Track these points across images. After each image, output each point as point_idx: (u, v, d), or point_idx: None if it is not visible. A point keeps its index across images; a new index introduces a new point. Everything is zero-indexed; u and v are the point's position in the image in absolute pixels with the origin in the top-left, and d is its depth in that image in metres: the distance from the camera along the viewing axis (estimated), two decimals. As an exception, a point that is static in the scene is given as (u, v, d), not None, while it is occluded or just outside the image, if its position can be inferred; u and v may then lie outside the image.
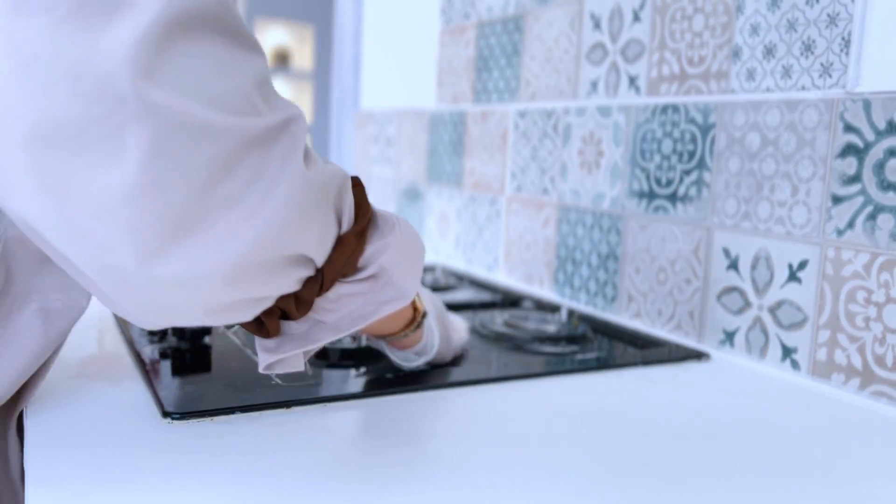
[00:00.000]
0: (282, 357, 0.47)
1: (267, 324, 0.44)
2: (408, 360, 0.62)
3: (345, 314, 0.47)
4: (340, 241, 0.44)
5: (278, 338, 0.47)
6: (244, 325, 0.45)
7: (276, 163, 0.37)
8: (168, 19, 0.34)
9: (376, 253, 0.47)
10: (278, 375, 0.60)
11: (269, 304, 0.43)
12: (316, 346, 0.47)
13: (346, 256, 0.45)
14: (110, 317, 0.78)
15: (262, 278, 0.40)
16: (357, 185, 0.46)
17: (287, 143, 0.38)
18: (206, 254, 0.36)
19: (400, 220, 0.49)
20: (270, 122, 0.37)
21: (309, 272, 0.43)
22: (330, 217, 0.43)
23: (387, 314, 0.48)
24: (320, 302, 0.46)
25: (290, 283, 0.42)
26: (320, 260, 0.44)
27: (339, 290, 0.46)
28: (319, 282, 0.44)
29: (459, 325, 0.70)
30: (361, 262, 0.47)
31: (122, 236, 0.35)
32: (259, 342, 0.47)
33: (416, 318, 0.58)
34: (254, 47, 0.39)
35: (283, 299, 0.43)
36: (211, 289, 0.37)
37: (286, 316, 0.45)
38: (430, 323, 0.61)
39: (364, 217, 0.46)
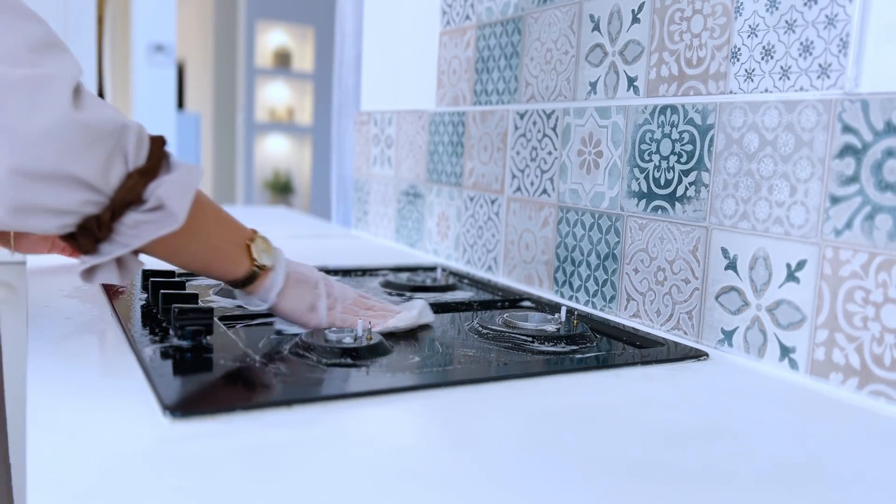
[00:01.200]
0: (92, 264, 0.61)
1: (81, 242, 0.59)
2: (252, 305, 0.74)
3: (142, 237, 0.60)
4: (126, 177, 0.59)
5: (93, 254, 0.60)
6: (67, 242, 0.60)
7: (40, 101, 0.53)
8: None
9: (155, 188, 0.60)
10: (278, 373, 0.61)
11: (70, 219, 0.58)
12: (117, 253, 0.60)
13: (127, 189, 0.59)
14: (111, 316, 0.78)
15: (43, 188, 0.55)
16: (157, 139, 0.62)
17: (52, 89, 0.54)
18: None
19: (187, 165, 0.63)
20: (36, 73, 0.54)
21: (98, 198, 0.58)
22: (108, 155, 0.57)
23: (165, 234, 0.61)
24: (120, 227, 0.60)
25: (76, 200, 0.57)
26: (108, 189, 0.58)
27: (134, 217, 0.60)
28: (111, 209, 0.59)
29: (412, 307, 0.81)
30: (145, 194, 0.60)
31: None
32: (80, 260, 0.61)
33: (252, 268, 0.70)
34: (34, 18, 0.56)
35: (88, 220, 0.58)
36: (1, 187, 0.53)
37: (95, 237, 0.59)
38: (277, 277, 0.72)
39: (151, 161, 0.60)
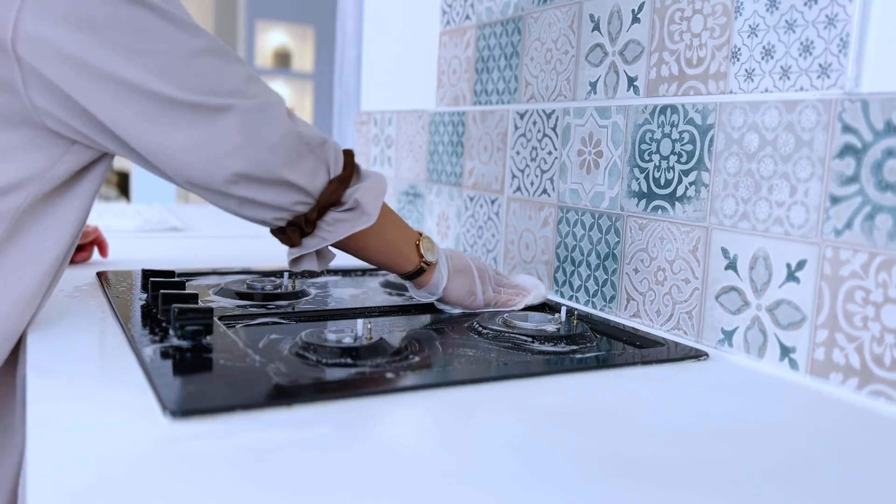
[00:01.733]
0: (299, 255, 0.77)
1: (290, 236, 0.76)
2: (422, 296, 0.88)
3: (338, 232, 0.76)
4: (329, 183, 0.74)
5: (299, 247, 0.77)
6: (281, 237, 0.77)
7: (266, 121, 0.69)
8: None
9: (353, 192, 0.76)
10: (278, 373, 0.61)
11: (284, 215, 0.74)
12: (320, 246, 0.76)
13: (330, 192, 0.74)
14: (111, 316, 0.78)
15: (263, 187, 0.70)
16: (348, 153, 0.77)
17: (274, 111, 0.70)
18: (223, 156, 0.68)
19: (375, 174, 0.78)
20: (260, 101, 0.69)
21: (305, 199, 0.73)
22: (315, 163, 0.73)
23: (362, 229, 0.76)
24: (321, 223, 0.76)
25: (288, 201, 0.72)
26: (315, 192, 0.74)
27: (333, 215, 0.76)
28: (316, 209, 0.74)
29: (525, 283, 0.96)
30: (344, 198, 0.76)
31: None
32: (288, 251, 0.78)
33: (420, 264, 0.84)
34: (237, 60, 0.70)
35: (297, 218, 0.74)
36: (226, 181, 0.69)
37: (303, 232, 0.75)
38: (441, 271, 0.87)
39: (347, 170, 0.76)
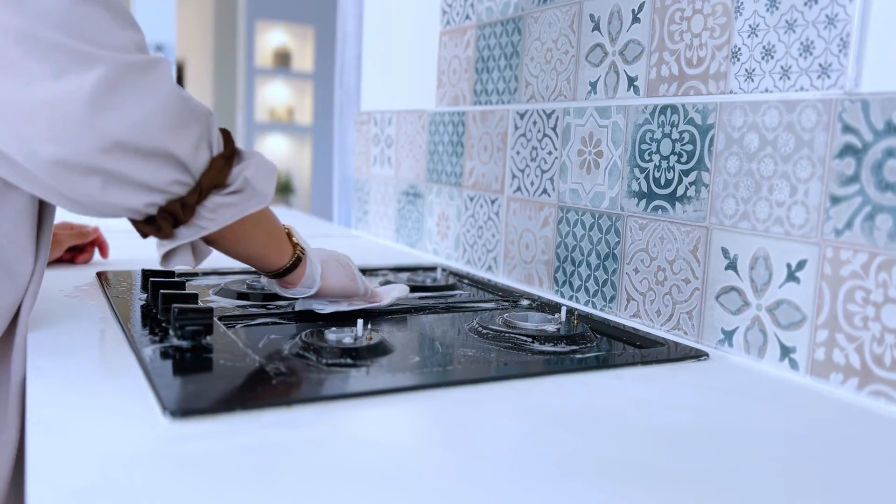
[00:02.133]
0: (172, 248, 0.65)
1: (162, 226, 0.62)
2: (298, 293, 0.79)
3: (220, 220, 0.64)
4: (212, 161, 0.63)
5: (170, 238, 0.64)
6: (145, 228, 0.63)
7: (151, 81, 0.57)
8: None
9: (240, 171, 0.65)
10: (278, 373, 0.61)
11: (158, 199, 0.60)
12: (199, 235, 0.64)
13: (216, 171, 0.63)
14: (111, 316, 0.78)
15: (138, 160, 0.57)
16: (225, 131, 0.66)
17: (160, 70, 0.58)
18: (103, 124, 0.55)
19: (256, 152, 0.68)
20: (146, 58, 0.58)
21: (186, 178, 0.61)
22: (198, 137, 0.61)
23: (254, 211, 0.66)
24: (201, 210, 0.63)
25: (166, 179, 0.59)
26: (196, 171, 0.61)
27: (216, 199, 0.64)
28: (197, 192, 0.62)
29: (390, 288, 0.91)
30: (229, 178, 0.64)
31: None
32: (158, 244, 0.65)
33: (295, 254, 0.76)
34: (133, 26, 0.60)
35: (172, 204, 0.61)
36: (98, 149, 0.55)
37: (177, 220, 0.62)
38: (313, 260, 0.78)
39: (229, 147, 0.65)
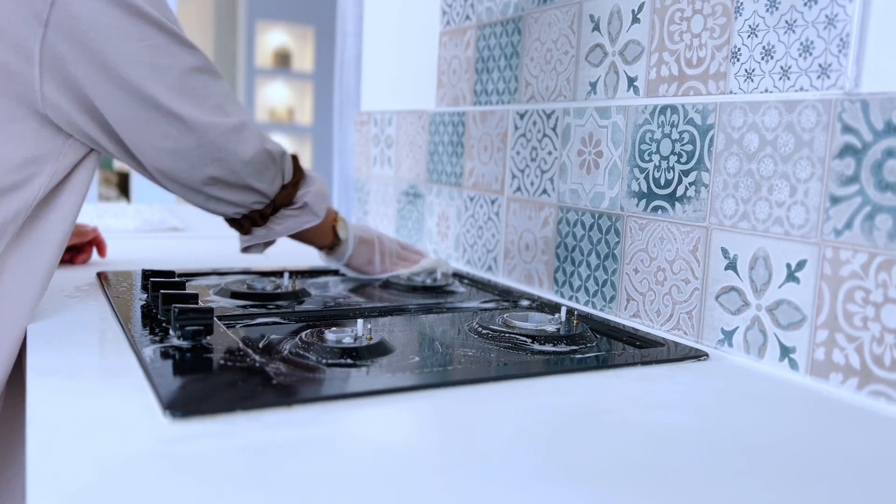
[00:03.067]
0: (252, 244, 0.95)
1: (244, 225, 0.92)
2: (330, 262, 1.08)
3: (285, 226, 0.94)
4: (284, 187, 0.91)
5: (250, 235, 0.94)
6: (232, 224, 0.94)
7: (242, 141, 0.83)
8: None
9: (303, 195, 0.94)
10: (278, 373, 0.61)
11: (243, 210, 0.90)
12: (270, 238, 0.94)
13: (285, 195, 0.91)
14: (111, 316, 0.78)
15: (231, 190, 0.86)
16: (294, 158, 0.93)
17: (248, 132, 0.83)
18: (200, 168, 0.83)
19: (318, 177, 0.96)
20: (236, 121, 0.82)
21: (264, 200, 0.90)
22: (276, 172, 0.89)
23: (309, 227, 0.96)
24: (272, 218, 0.93)
25: (249, 201, 0.88)
26: (271, 194, 0.90)
27: (284, 212, 0.93)
28: (271, 207, 0.91)
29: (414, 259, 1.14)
30: (295, 199, 0.93)
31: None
32: (240, 237, 0.96)
33: (333, 241, 1.04)
34: (221, 76, 0.83)
35: (253, 213, 0.91)
36: (202, 180, 0.83)
37: (255, 224, 0.92)
38: (348, 245, 1.05)
39: (297, 175, 0.93)
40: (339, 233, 1.03)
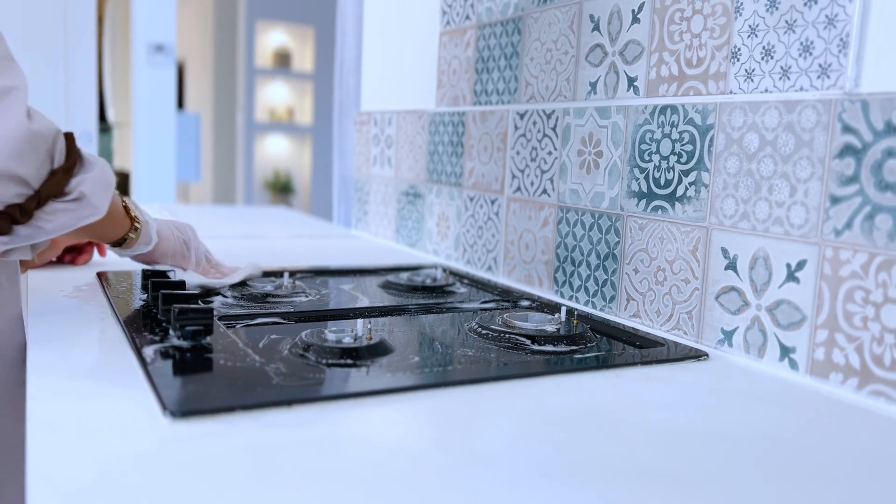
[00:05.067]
0: (12, 247, 0.70)
1: (1, 225, 0.66)
2: (138, 251, 0.89)
3: (58, 223, 0.70)
4: (52, 173, 0.68)
5: (10, 235, 0.68)
6: None
7: (1, 111, 0.62)
8: None
9: (78, 184, 0.70)
10: (278, 373, 0.61)
11: None
12: (38, 240, 0.70)
13: (54, 183, 0.68)
14: (111, 316, 0.78)
15: None
16: (69, 137, 0.70)
17: (12, 100, 0.63)
18: None
19: (99, 162, 0.73)
20: (3, 84, 0.62)
21: (27, 191, 0.66)
22: (44, 156, 0.66)
23: (88, 223, 0.72)
24: (40, 213, 0.68)
25: (10, 194, 0.65)
26: (36, 183, 0.66)
27: (54, 206, 0.69)
28: (36, 199, 0.67)
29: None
30: (68, 188, 0.69)
31: None
32: None
33: (133, 225, 0.86)
34: None
35: (10, 208, 0.66)
36: None
37: (15, 221, 0.67)
38: (149, 223, 0.89)
39: (70, 159, 0.69)
40: (135, 214, 0.86)
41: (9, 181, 0.64)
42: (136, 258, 0.92)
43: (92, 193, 0.71)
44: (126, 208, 0.85)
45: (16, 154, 0.63)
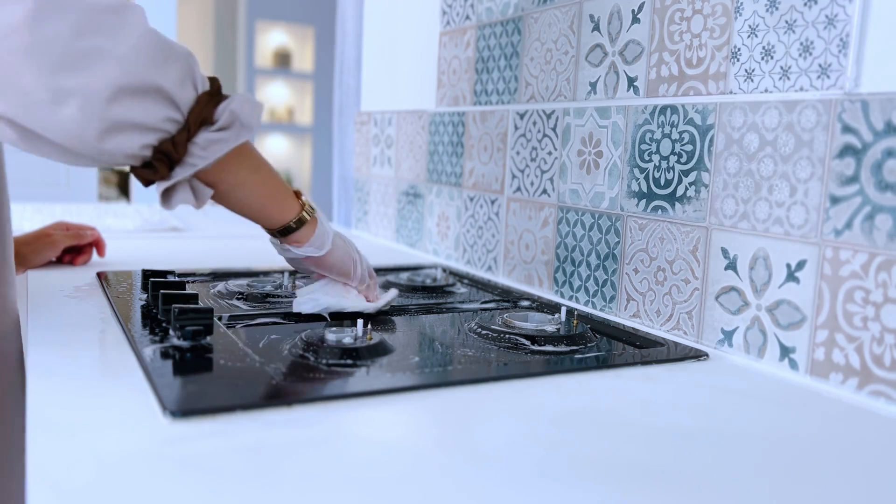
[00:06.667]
0: (169, 184, 0.65)
1: (158, 168, 0.64)
2: (306, 252, 0.77)
3: (212, 149, 0.65)
4: (198, 98, 0.64)
5: (168, 179, 0.65)
6: (144, 173, 0.65)
7: (125, 23, 0.58)
8: None
9: (226, 106, 0.65)
10: (278, 372, 0.61)
11: (152, 139, 0.62)
12: (197, 168, 0.65)
13: (202, 107, 0.63)
14: (111, 316, 0.78)
15: (136, 100, 0.59)
16: (213, 78, 0.66)
17: (132, 12, 0.59)
18: (87, 77, 0.57)
19: (241, 93, 0.67)
20: (118, 2, 0.58)
21: (175, 114, 0.62)
22: (183, 73, 0.62)
23: (241, 143, 0.67)
24: (193, 148, 0.64)
25: (158, 115, 0.61)
26: (184, 107, 0.63)
27: (206, 136, 0.64)
28: (187, 128, 0.63)
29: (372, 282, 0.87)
30: (216, 114, 0.65)
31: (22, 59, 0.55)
32: (158, 185, 0.66)
33: (302, 212, 0.75)
34: None
35: (164, 144, 0.62)
36: (97, 105, 0.57)
37: (172, 163, 0.64)
38: (325, 223, 0.78)
39: (214, 85, 0.66)
40: (306, 201, 0.77)
41: (155, 96, 0.60)
42: (299, 263, 0.80)
43: (242, 112, 0.66)
44: (297, 193, 0.76)
45: (150, 63, 0.60)
